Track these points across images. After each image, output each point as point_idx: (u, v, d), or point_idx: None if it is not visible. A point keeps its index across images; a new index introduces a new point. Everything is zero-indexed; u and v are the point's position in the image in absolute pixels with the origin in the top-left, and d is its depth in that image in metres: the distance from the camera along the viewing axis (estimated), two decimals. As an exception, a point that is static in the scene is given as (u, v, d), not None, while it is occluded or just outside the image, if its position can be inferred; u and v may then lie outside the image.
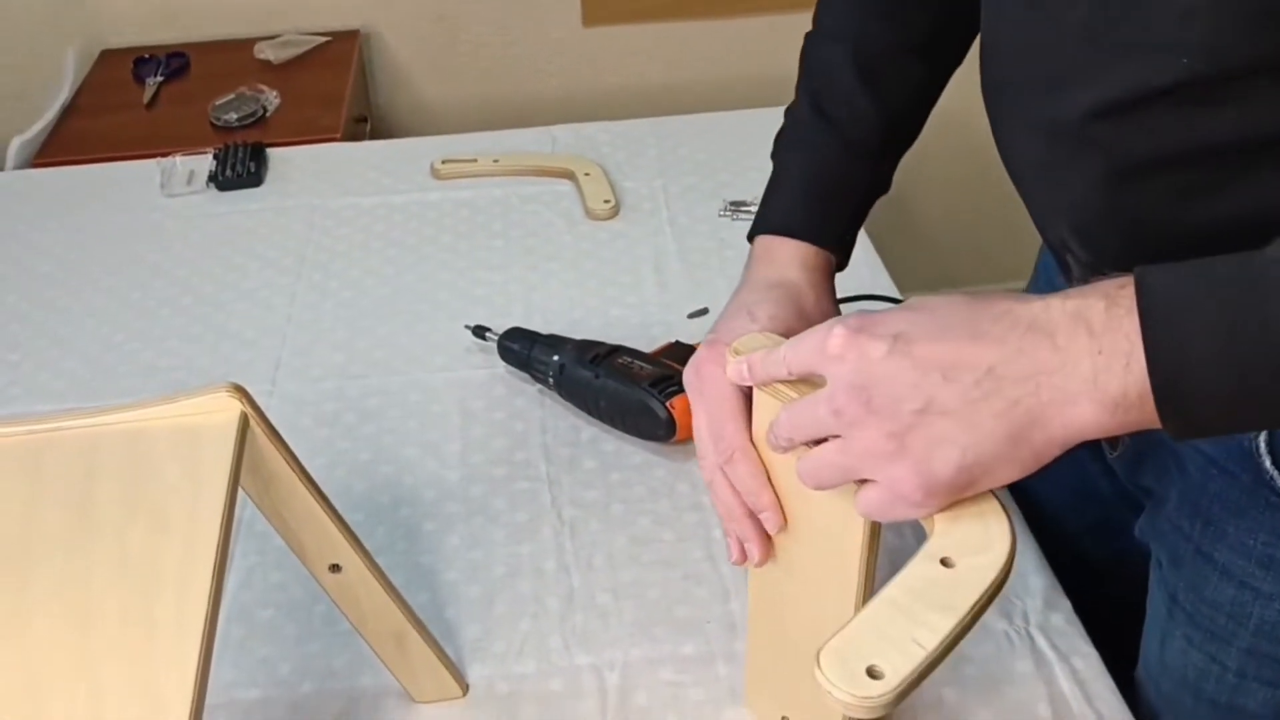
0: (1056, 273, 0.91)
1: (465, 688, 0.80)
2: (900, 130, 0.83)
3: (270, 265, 1.24)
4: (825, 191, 0.82)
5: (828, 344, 0.55)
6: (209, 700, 0.80)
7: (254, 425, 0.66)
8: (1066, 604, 0.83)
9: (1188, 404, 0.49)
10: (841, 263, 0.83)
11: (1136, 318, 0.49)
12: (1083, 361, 0.50)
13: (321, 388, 1.07)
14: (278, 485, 0.68)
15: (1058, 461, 0.54)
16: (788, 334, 0.67)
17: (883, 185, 0.85)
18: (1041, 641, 0.81)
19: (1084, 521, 0.93)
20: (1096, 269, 0.74)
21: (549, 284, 1.20)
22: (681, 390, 0.96)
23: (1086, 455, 0.90)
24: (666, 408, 0.94)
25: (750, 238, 0.83)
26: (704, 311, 1.14)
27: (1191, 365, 0.48)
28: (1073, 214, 0.68)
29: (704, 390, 0.69)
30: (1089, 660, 0.79)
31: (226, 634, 0.84)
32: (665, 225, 1.28)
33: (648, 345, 1.09)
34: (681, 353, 1.02)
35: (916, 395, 0.53)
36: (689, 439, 0.97)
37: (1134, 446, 0.79)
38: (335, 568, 0.72)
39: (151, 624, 0.56)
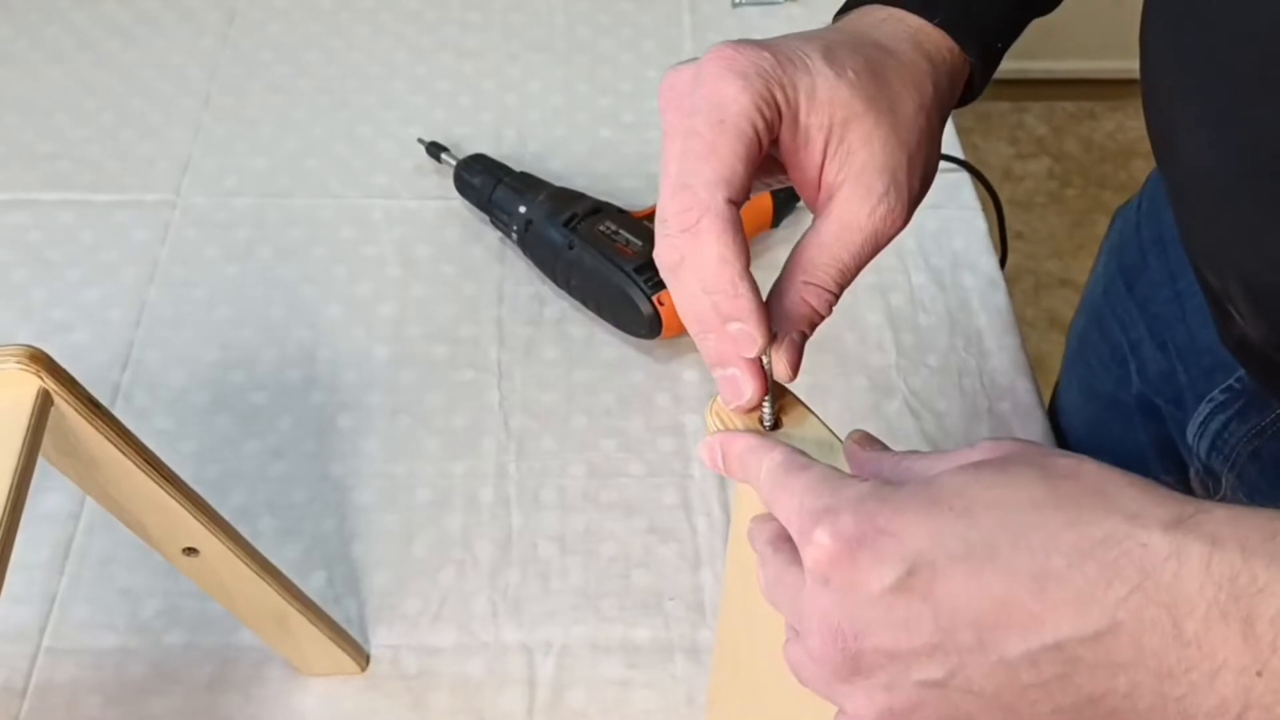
0: (1163, 212, 0.70)
1: (365, 661, 0.65)
2: None
3: (192, 19, 1.00)
4: None
5: (807, 550, 0.36)
6: (54, 644, 0.66)
7: (61, 403, 0.47)
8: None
9: None
10: (978, 82, 0.51)
11: None
12: (1223, 679, 0.30)
13: (235, 206, 0.87)
14: (103, 469, 0.51)
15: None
16: (869, 134, 0.43)
17: None
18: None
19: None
20: (1276, 344, 0.53)
21: (530, 84, 0.97)
22: (672, 281, 0.76)
23: (1157, 466, 0.73)
24: (652, 302, 0.75)
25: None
26: (716, 145, 0.92)
27: None
28: (1265, 272, 0.48)
29: (696, 102, 0.42)
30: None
31: (85, 549, 0.69)
32: (684, 13, 1.03)
33: (642, 183, 0.89)
34: (680, 217, 0.82)
35: (933, 663, 0.34)
36: (678, 335, 0.79)
37: (1239, 500, 0.61)
38: (190, 551, 0.56)
39: None
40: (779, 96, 0.42)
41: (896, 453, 0.41)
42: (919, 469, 0.39)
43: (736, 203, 0.41)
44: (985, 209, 0.91)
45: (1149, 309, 0.71)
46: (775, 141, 0.43)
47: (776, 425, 0.45)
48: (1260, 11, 0.43)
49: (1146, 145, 0.80)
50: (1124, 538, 0.32)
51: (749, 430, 0.44)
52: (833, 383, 0.78)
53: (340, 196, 0.88)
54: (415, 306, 0.81)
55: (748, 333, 0.41)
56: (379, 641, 0.66)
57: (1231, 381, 0.62)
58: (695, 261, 0.41)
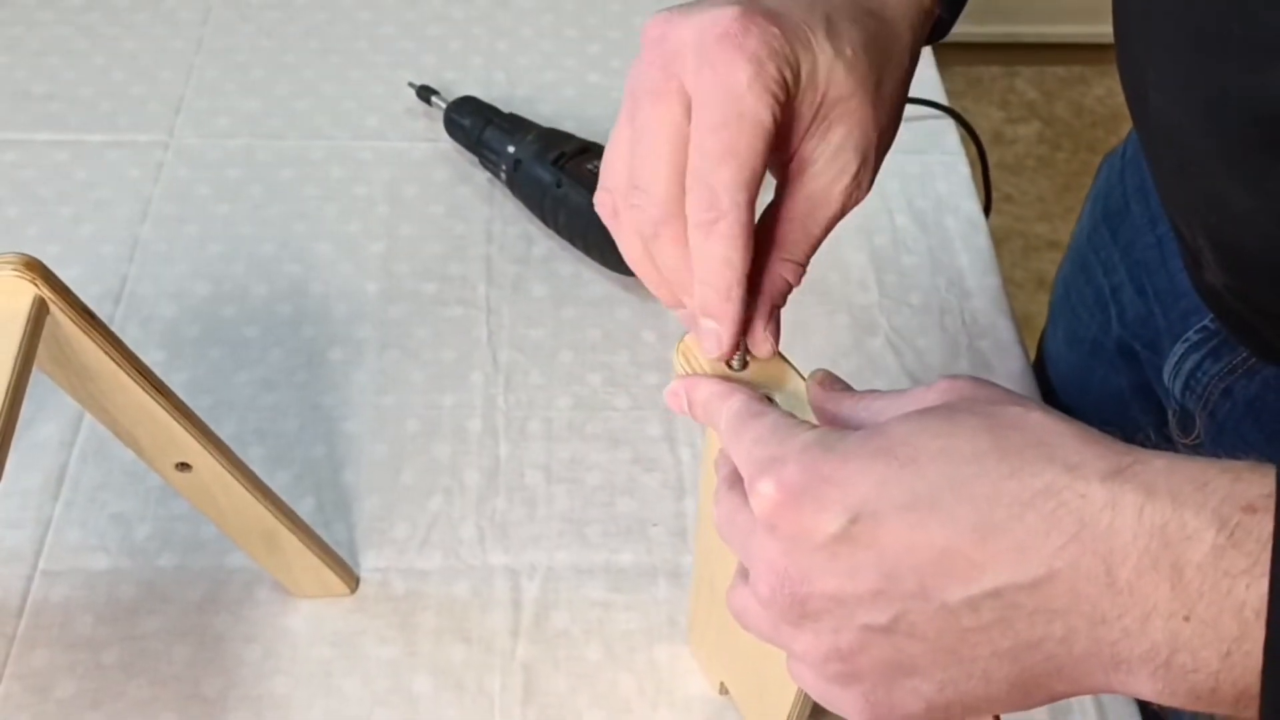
0: (1144, 183, 0.71)
1: (354, 583, 0.67)
2: None
3: (183, -36, 1.01)
4: None
5: (754, 499, 0.36)
6: (49, 566, 0.68)
7: (57, 312, 0.49)
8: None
9: None
10: (948, 20, 0.52)
11: (1265, 581, 0.30)
12: (1153, 623, 0.31)
13: (227, 146, 0.88)
14: (97, 380, 0.52)
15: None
16: (864, 93, 0.43)
17: None
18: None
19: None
20: (1240, 293, 0.54)
21: (520, 29, 0.98)
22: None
23: (1135, 408, 0.74)
24: (637, 238, 0.76)
25: None
26: (703, 91, 0.93)
27: None
28: (1227, 227, 0.48)
29: (703, 85, 0.40)
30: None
31: (79, 476, 0.70)
32: (672, -39, 1.04)
33: (630, 128, 0.90)
34: (666, 158, 0.83)
35: (877, 608, 0.34)
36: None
37: (1213, 450, 0.62)
38: (183, 466, 0.57)
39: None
40: (788, 76, 0.41)
41: (857, 393, 0.42)
42: (876, 409, 0.40)
43: (754, 200, 0.41)
44: (969, 156, 0.92)
45: (1131, 254, 0.72)
46: None
47: (745, 366, 0.45)
48: None
49: (1136, 109, 0.82)
50: (1063, 488, 0.32)
51: (714, 375, 0.45)
52: (816, 320, 0.79)
53: (331, 138, 0.89)
54: (405, 244, 0.82)
55: (718, 334, 0.42)
56: (368, 565, 0.68)
57: (1205, 322, 0.63)
58: (699, 254, 0.41)
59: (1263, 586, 0.30)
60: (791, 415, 0.40)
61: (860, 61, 0.43)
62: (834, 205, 0.44)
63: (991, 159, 0.97)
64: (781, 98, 0.41)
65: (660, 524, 0.70)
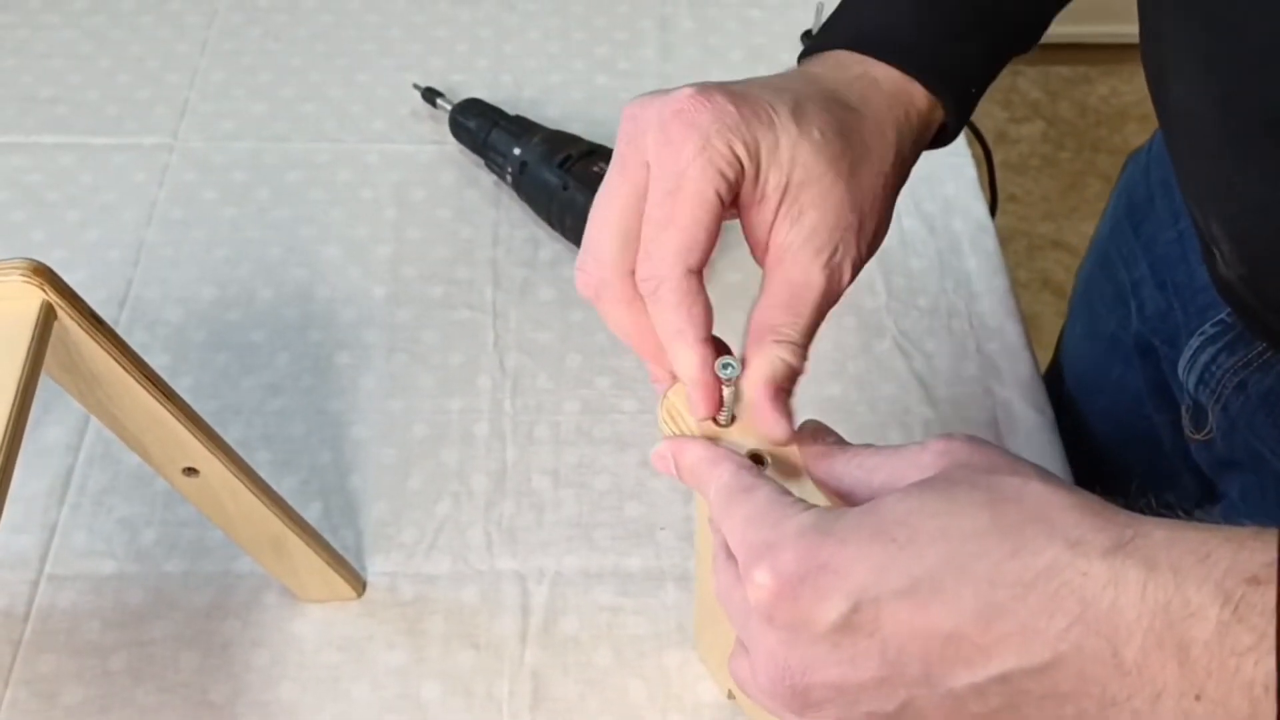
0: (1167, 181, 0.71)
1: (361, 587, 0.67)
2: None
3: (188, -34, 1.01)
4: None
5: (749, 589, 0.36)
6: (55, 571, 0.67)
7: (64, 317, 0.48)
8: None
9: None
10: (953, 127, 0.52)
11: (1273, 658, 0.29)
12: (1164, 704, 0.31)
13: (233, 149, 0.88)
14: (104, 385, 0.51)
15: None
16: (832, 189, 0.44)
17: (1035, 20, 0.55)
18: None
19: (1137, 466, 0.78)
20: (1254, 286, 0.54)
21: (526, 31, 0.97)
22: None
23: (1150, 405, 0.74)
24: (645, 242, 0.76)
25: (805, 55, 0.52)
26: (710, 93, 0.93)
27: None
28: (1241, 217, 0.48)
29: (659, 158, 0.42)
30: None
31: (85, 481, 0.70)
32: (678, -37, 1.04)
33: (636, 131, 0.90)
34: (673, 160, 0.83)
35: (881, 695, 0.34)
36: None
37: (1225, 445, 0.62)
38: (190, 471, 0.57)
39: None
40: (740, 153, 0.42)
41: (849, 448, 0.41)
42: (870, 466, 0.39)
43: (697, 270, 0.42)
44: (974, 156, 0.91)
45: (1153, 249, 0.72)
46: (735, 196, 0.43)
47: (733, 420, 0.44)
48: None
49: (1140, 109, 0.81)
50: (1065, 567, 0.32)
51: (702, 435, 0.44)
52: (823, 324, 0.79)
53: (337, 141, 0.88)
54: (412, 248, 0.82)
55: (691, 396, 0.43)
56: (375, 569, 0.67)
57: (1223, 315, 0.63)
58: (656, 324, 0.43)
59: (1270, 663, 0.29)
60: (783, 489, 0.39)
61: (831, 144, 0.44)
62: (816, 288, 0.44)
63: (995, 159, 0.97)
64: (729, 173, 0.42)
65: (668, 528, 0.70)
